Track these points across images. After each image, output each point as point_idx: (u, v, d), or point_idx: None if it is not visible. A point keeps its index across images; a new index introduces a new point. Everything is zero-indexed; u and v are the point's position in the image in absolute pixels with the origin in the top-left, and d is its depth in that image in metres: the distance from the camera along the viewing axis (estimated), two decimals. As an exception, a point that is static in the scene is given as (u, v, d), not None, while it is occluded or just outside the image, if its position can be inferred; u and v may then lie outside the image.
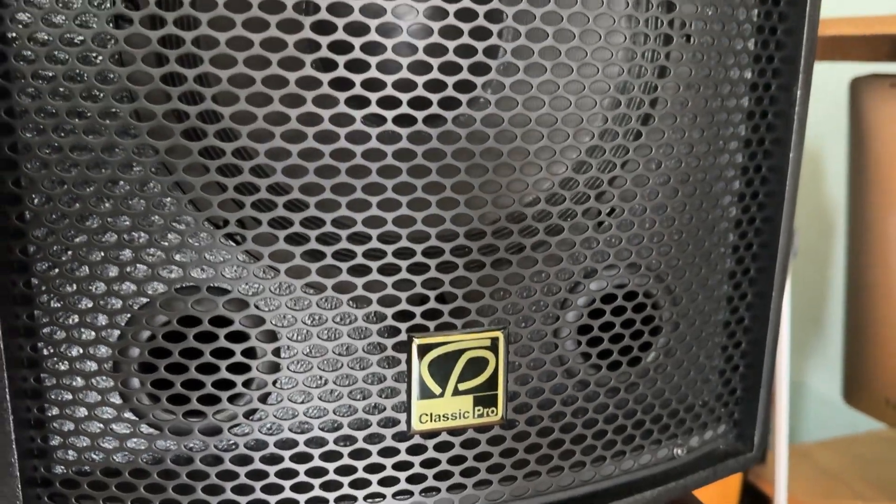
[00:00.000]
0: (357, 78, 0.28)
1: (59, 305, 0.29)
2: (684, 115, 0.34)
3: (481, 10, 0.29)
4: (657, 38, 0.33)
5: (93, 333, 0.29)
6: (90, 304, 0.29)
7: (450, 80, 0.29)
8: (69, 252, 0.28)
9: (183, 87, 0.27)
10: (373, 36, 0.28)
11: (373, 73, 0.28)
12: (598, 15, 0.31)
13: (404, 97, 0.29)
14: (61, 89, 0.27)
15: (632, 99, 0.33)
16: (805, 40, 0.36)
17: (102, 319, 0.29)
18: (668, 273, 0.36)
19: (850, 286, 0.92)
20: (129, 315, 0.29)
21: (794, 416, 1.44)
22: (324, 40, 0.28)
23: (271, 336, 0.30)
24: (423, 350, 0.31)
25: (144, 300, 0.29)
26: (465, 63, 0.29)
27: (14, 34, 0.27)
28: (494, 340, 0.31)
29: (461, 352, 0.31)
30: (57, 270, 0.29)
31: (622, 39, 0.32)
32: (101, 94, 0.27)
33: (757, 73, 0.37)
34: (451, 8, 0.29)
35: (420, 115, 0.29)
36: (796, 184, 0.37)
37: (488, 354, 0.31)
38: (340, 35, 0.28)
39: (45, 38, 0.27)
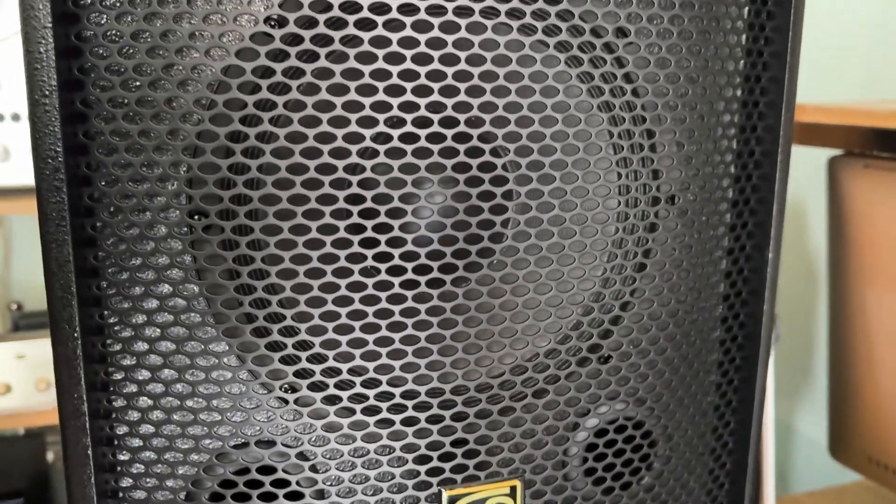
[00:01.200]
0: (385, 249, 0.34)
1: None
2: (674, 265, 0.39)
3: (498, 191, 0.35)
4: (647, 201, 0.38)
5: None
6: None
7: (473, 249, 0.35)
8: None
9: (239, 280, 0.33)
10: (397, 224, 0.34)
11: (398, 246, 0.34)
12: (597, 187, 0.37)
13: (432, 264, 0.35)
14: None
15: (627, 252, 0.38)
16: (778, 181, 0.41)
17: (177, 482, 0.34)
18: (663, 406, 0.41)
19: (833, 353, 0.97)
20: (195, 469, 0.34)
21: (783, 464, 1.49)
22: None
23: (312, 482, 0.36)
24: (452, 500, 0.36)
25: (206, 456, 0.35)
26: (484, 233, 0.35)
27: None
28: (513, 488, 0.37)
29: (484, 500, 0.36)
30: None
31: (616, 204, 0.38)
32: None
33: (736, 215, 0.42)
34: (474, 192, 0.35)
35: (448, 277, 0.35)
36: (770, 332, 0.42)
37: (508, 501, 0.37)
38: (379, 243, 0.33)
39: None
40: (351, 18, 0.33)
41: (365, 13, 0.33)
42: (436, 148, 0.35)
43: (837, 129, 0.86)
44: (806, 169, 1.09)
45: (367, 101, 0.33)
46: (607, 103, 0.37)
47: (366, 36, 0.33)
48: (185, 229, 0.33)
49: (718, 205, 0.42)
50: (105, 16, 0.31)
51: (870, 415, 0.91)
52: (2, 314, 1.27)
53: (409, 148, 0.34)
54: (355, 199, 0.34)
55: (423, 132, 0.34)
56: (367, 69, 0.33)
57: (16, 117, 1.03)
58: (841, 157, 0.90)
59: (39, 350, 1.07)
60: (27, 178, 1.05)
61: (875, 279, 0.90)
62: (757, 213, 0.41)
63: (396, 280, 0.35)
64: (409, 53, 0.33)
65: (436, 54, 0.34)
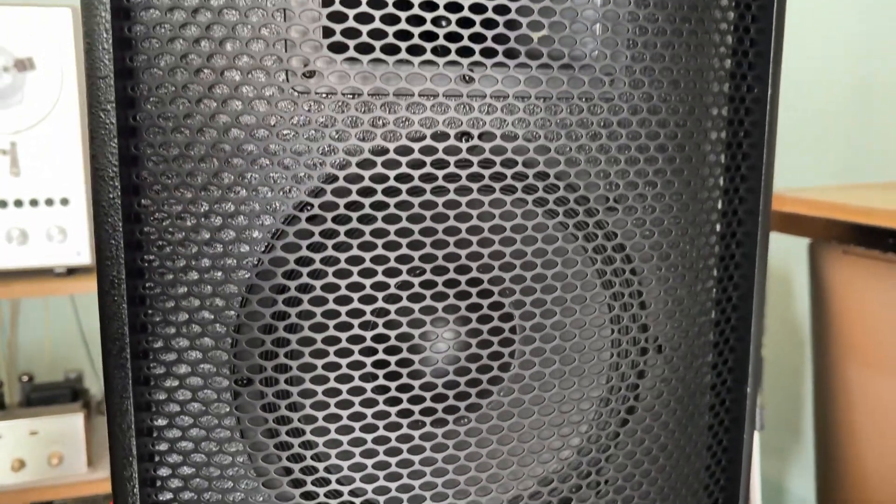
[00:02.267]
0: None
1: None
2: (664, 405, 0.44)
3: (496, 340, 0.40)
4: (636, 352, 0.43)
5: None
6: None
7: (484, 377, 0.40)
8: None
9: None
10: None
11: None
12: (592, 342, 0.42)
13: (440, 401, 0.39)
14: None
15: (619, 397, 0.43)
16: (756, 285, 0.46)
17: None
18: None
19: (818, 425, 1.02)
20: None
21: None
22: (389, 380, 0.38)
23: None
24: None
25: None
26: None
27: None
28: None
29: None
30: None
31: (609, 356, 0.42)
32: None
33: (718, 354, 0.47)
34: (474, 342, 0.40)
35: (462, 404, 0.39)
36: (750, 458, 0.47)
37: None
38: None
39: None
40: (379, 187, 0.38)
41: (392, 182, 0.38)
42: (451, 291, 0.40)
43: (817, 219, 0.91)
44: (789, 241, 1.14)
45: (391, 254, 0.38)
46: (597, 259, 0.42)
47: (392, 201, 0.38)
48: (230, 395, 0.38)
49: (703, 350, 0.47)
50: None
51: (854, 483, 0.95)
52: (10, 385, 1.30)
53: (427, 293, 0.39)
54: (379, 338, 0.39)
55: (440, 279, 0.39)
56: (392, 228, 0.38)
57: (34, 203, 1.08)
58: (821, 242, 0.95)
59: (52, 426, 1.10)
60: (43, 260, 1.09)
61: (855, 358, 0.94)
62: (736, 351, 0.46)
63: (417, 408, 0.40)
64: (428, 213, 0.38)
65: (451, 213, 0.39)
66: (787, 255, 1.39)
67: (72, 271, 1.13)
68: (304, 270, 0.38)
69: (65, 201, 1.09)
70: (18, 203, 1.08)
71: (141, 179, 0.36)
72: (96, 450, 1.16)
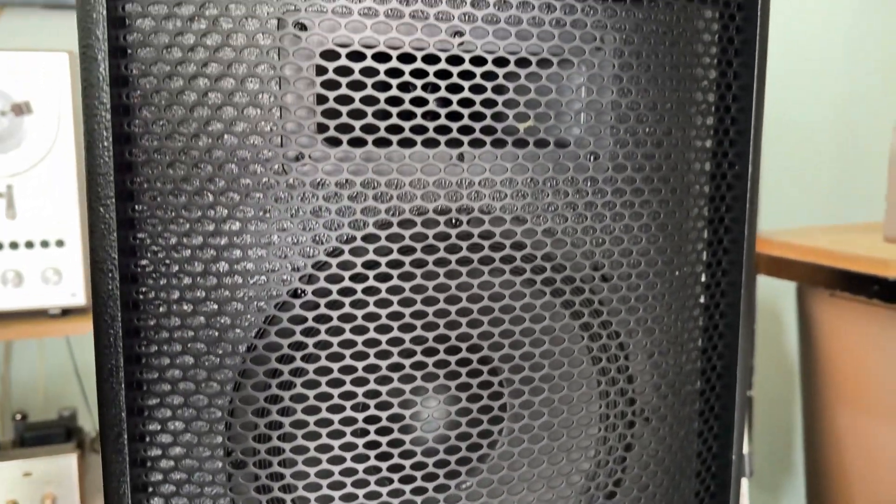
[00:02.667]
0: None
1: None
2: (650, 476, 0.45)
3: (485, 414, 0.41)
4: (624, 425, 0.44)
5: None
6: None
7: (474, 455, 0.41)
8: None
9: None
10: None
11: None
12: (581, 417, 0.43)
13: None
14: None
15: (606, 471, 0.44)
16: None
17: None
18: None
19: (809, 466, 1.02)
20: None
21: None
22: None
23: None
24: None
25: None
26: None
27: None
28: None
29: None
30: None
31: (597, 430, 0.43)
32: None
33: (703, 421, 0.48)
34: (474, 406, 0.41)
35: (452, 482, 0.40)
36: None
37: None
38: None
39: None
40: (371, 273, 0.39)
41: (383, 269, 0.39)
42: (441, 372, 0.41)
43: (804, 263, 0.93)
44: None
45: (383, 337, 0.39)
46: (586, 324, 0.43)
47: (383, 286, 0.39)
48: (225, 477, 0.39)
49: (689, 419, 0.48)
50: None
51: (845, 526, 0.96)
52: (4, 424, 1.30)
53: (418, 374, 0.40)
54: (371, 420, 0.40)
55: (430, 360, 0.40)
56: (383, 312, 0.39)
57: (30, 244, 1.09)
58: (808, 286, 0.97)
59: (46, 467, 1.10)
60: (39, 302, 1.10)
61: (845, 400, 0.95)
62: (721, 418, 0.47)
63: (408, 488, 0.41)
64: (418, 297, 0.40)
65: (441, 295, 0.40)
66: (777, 291, 1.40)
67: (66, 312, 1.13)
68: (298, 355, 0.39)
69: (60, 243, 1.10)
70: (14, 245, 1.09)
71: (139, 268, 0.37)
72: (89, 489, 1.16)
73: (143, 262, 0.38)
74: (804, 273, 0.93)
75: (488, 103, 0.39)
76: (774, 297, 1.45)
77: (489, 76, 0.39)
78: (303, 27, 0.37)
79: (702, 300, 0.48)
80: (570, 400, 0.43)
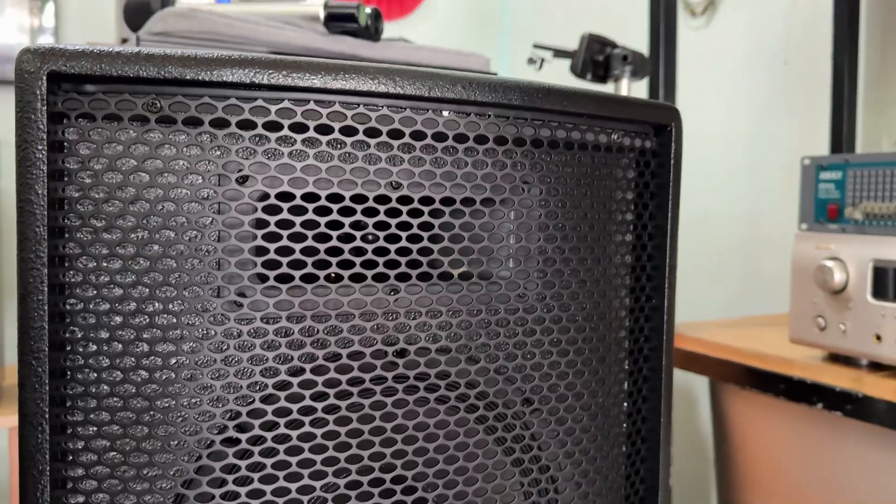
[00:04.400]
0: None
1: None
2: None
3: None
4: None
5: None
6: None
7: None
8: None
9: None
10: None
11: None
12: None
13: None
14: None
15: None
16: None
17: None
18: None
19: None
20: None
21: None
22: None
23: None
24: None
25: None
26: None
27: None
28: None
29: None
30: None
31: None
32: None
33: None
34: None
35: None
36: None
37: None
38: None
39: None
40: (294, 407, 0.39)
41: (307, 401, 0.39)
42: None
43: (714, 359, 0.97)
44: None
45: (317, 483, 0.40)
46: (518, 460, 0.44)
47: (318, 431, 0.39)
48: None
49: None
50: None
51: None
52: None
53: (353, 493, 0.40)
54: None
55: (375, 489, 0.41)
56: (318, 458, 0.39)
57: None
58: (719, 381, 1.01)
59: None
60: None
61: (758, 493, 0.99)
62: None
63: None
64: (354, 441, 0.40)
65: (366, 427, 0.40)
66: (692, 380, 1.45)
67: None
68: (230, 478, 0.38)
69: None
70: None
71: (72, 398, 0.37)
72: None
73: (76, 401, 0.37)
74: (716, 368, 0.97)
75: (424, 251, 0.41)
76: (690, 385, 1.50)
77: (415, 214, 0.40)
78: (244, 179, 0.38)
79: (624, 427, 0.50)
80: (502, 532, 0.44)
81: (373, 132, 0.38)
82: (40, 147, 0.33)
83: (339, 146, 0.38)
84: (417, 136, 0.39)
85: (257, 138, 0.37)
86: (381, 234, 0.40)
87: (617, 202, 0.46)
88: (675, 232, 0.48)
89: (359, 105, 0.38)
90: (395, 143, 0.39)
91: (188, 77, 0.34)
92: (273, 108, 0.36)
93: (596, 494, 0.47)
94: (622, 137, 0.45)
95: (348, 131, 0.38)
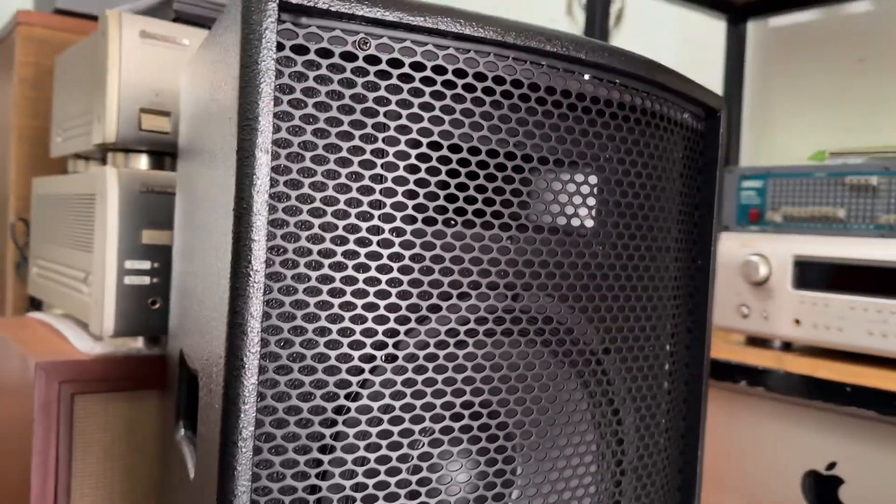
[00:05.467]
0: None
1: None
2: None
3: None
4: (613, 483, 0.51)
5: None
6: None
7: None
8: None
9: None
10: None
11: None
12: (581, 476, 0.49)
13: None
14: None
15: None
16: None
17: None
18: None
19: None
20: None
21: None
22: None
23: None
24: None
25: None
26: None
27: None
28: None
29: None
30: None
31: (594, 490, 0.50)
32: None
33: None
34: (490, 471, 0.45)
35: None
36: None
37: None
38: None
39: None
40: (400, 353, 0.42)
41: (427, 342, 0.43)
42: (465, 437, 0.45)
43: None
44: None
45: (418, 402, 0.43)
46: (592, 403, 0.50)
47: (421, 353, 0.43)
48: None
49: (668, 473, 0.56)
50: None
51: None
52: None
53: (445, 438, 0.44)
54: (402, 484, 0.43)
55: (456, 424, 0.44)
56: (420, 377, 0.43)
57: None
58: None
59: None
60: None
61: (719, 486, 1.09)
62: (686, 471, 0.56)
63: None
64: (479, 376, 0.44)
65: (469, 364, 0.44)
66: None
67: None
68: (340, 419, 0.41)
69: None
70: None
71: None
72: None
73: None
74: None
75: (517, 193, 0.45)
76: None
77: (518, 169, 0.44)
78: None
79: (666, 367, 0.56)
80: (575, 465, 0.49)
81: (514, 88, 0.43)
82: (269, 75, 0.35)
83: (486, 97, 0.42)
84: (564, 94, 0.44)
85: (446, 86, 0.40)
86: (490, 186, 0.44)
87: (674, 173, 0.53)
88: (721, 207, 0.56)
89: (508, 58, 0.42)
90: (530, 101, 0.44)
91: (401, 20, 0.37)
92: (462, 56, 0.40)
93: (651, 429, 0.53)
94: (682, 114, 0.52)
95: (498, 81, 0.42)
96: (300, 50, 0.37)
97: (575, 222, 0.48)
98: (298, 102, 0.37)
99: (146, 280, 0.63)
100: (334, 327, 0.39)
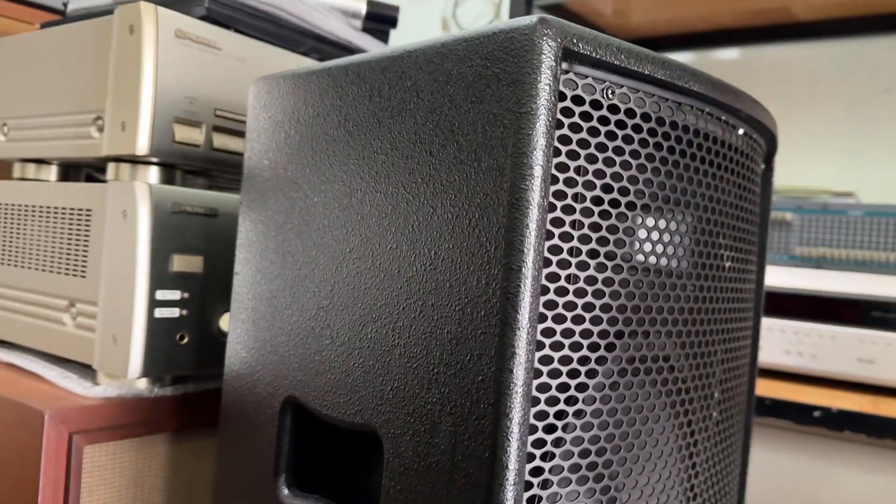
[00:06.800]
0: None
1: None
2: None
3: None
4: None
5: None
6: None
7: None
8: None
9: None
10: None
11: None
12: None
13: None
14: None
15: None
16: None
17: None
18: None
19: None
20: None
21: None
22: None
23: None
24: None
25: None
26: None
27: None
28: None
29: None
30: None
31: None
32: None
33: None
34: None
35: None
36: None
37: None
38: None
39: None
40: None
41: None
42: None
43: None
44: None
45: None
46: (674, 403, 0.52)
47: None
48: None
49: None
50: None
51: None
52: None
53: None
54: None
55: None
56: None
57: None
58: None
59: None
60: None
61: None
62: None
63: None
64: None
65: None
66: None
67: None
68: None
69: None
70: None
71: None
72: None
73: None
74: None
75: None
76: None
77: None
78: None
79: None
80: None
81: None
82: (549, 118, 0.33)
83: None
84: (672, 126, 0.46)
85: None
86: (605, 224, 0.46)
87: (755, 205, 0.57)
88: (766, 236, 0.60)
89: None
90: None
91: (657, 76, 0.37)
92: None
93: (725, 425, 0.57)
94: (757, 139, 0.55)
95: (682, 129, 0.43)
96: (578, 100, 0.35)
97: (671, 262, 0.51)
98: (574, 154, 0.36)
99: (176, 312, 0.56)
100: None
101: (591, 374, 0.42)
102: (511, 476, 0.34)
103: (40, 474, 0.53)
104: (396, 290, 0.40)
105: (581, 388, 0.41)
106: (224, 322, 0.59)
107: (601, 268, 0.40)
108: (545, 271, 0.36)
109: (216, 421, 0.62)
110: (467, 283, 0.36)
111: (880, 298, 0.91)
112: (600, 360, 0.42)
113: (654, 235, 0.44)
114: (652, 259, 0.46)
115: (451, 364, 0.37)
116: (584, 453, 0.43)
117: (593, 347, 0.40)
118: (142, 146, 0.54)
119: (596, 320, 0.40)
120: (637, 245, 0.43)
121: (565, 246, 0.37)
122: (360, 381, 0.42)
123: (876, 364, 0.92)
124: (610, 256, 0.40)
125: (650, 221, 0.43)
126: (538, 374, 0.36)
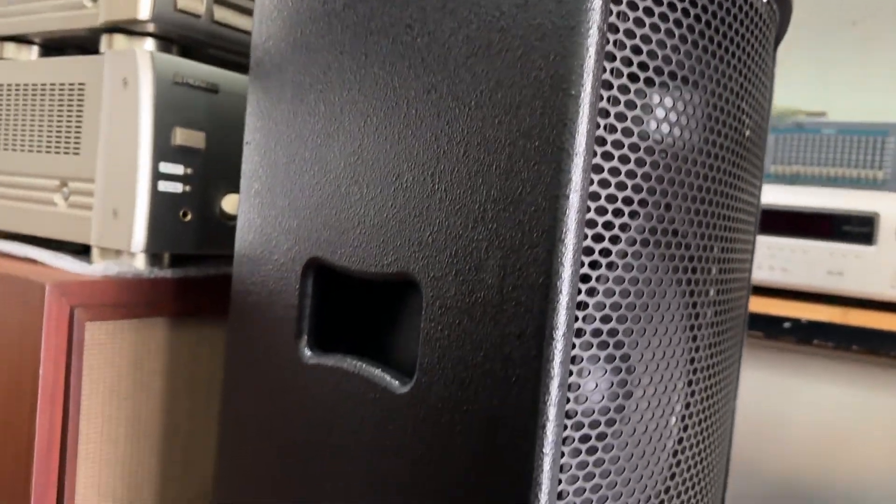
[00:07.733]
0: None
1: None
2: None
3: None
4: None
5: None
6: None
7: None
8: None
9: None
10: None
11: None
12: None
13: None
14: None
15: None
16: None
17: None
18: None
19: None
20: None
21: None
22: None
23: None
24: None
25: None
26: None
27: None
28: None
29: None
30: None
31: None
32: None
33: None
34: None
35: None
36: None
37: None
38: None
39: None
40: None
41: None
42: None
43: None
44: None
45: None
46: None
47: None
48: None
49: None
50: None
51: None
52: None
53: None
54: None
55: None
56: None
57: None
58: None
59: None
60: None
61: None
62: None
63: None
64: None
65: None
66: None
67: None
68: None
69: None
70: None
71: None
72: None
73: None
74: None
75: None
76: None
77: None
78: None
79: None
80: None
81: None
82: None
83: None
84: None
85: None
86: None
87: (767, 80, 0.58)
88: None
89: None
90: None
91: None
92: None
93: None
94: (776, 10, 0.57)
95: None
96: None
97: (692, 136, 0.51)
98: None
99: (179, 188, 0.54)
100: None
101: (614, 239, 0.42)
102: (564, 300, 0.34)
103: (41, 350, 0.51)
104: (436, 133, 0.40)
105: (614, 240, 0.41)
106: (227, 204, 0.58)
107: (627, 133, 0.40)
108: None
109: (217, 308, 0.61)
110: (519, 115, 0.36)
111: (850, 212, 0.94)
112: (623, 227, 0.43)
113: (679, 106, 0.44)
114: (676, 131, 0.46)
115: (500, 200, 0.36)
116: (606, 318, 0.43)
117: (617, 213, 0.40)
118: (144, 11, 0.52)
119: (621, 186, 0.40)
120: (663, 114, 0.43)
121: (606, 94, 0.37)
122: (394, 232, 0.41)
123: (844, 276, 0.95)
124: (638, 122, 0.40)
125: (675, 93, 0.43)
126: (588, 209, 0.36)
